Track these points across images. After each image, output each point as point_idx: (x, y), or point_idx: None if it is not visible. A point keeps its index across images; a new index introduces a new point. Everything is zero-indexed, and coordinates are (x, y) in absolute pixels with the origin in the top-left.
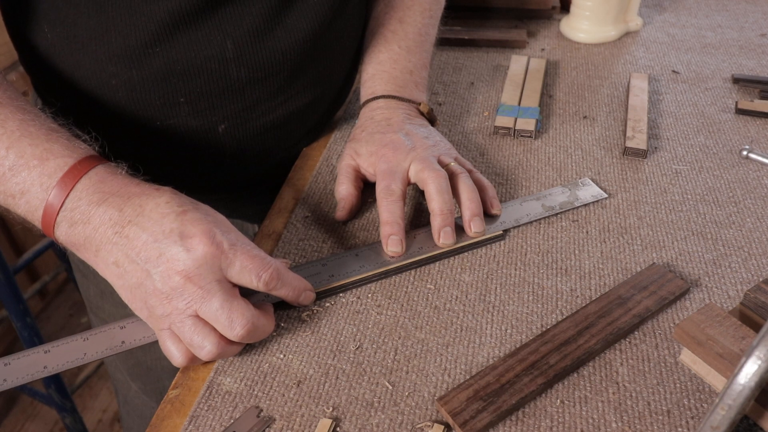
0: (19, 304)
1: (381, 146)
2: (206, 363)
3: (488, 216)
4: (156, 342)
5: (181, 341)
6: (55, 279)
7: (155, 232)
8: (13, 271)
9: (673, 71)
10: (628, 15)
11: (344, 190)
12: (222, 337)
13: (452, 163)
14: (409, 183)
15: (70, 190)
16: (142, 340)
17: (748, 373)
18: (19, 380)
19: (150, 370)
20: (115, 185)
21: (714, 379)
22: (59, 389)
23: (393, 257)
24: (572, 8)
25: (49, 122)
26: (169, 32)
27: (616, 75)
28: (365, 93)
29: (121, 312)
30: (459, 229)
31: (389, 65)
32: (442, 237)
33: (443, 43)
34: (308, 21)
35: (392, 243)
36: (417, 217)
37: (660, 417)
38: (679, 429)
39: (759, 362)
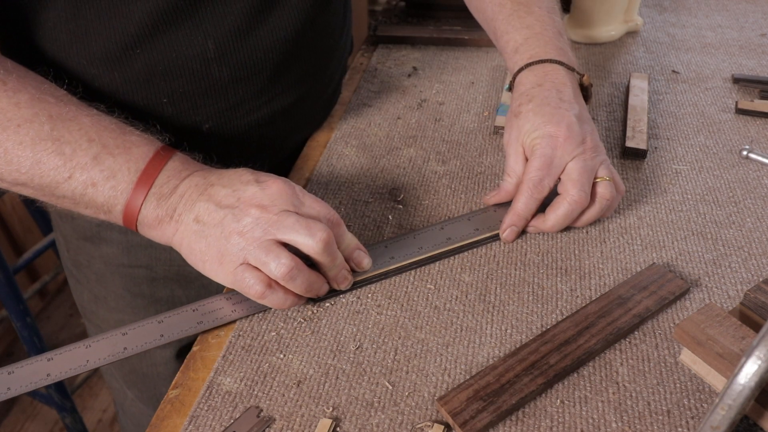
0: (19, 304)
1: (551, 124)
2: (265, 308)
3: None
4: (153, 349)
5: (257, 270)
6: (55, 279)
7: (234, 184)
8: (13, 271)
9: (673, 71)
10: (628, 15)
11: (517, 169)
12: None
13: (605, 181)
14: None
15: (161, 169)
16: (144, 345)
17: (748, 373)
18: (23, 388)
19: (146, 377)
20: (198, 165)
21: (714, 379)
22: (59, 389)
23: (506, 241)
24: (572, 8)
25: (113, 118)
26: (149, 33)
27: (616, 75)
28: (523, 56)
29: (116, 317)
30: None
31: (539, 28)
32: (509, 235)
33: (443, 43)
34: (291, 19)
35: (511, 233)
36: (415, 217)
37: (660, 417)
38: (679, 429)
39: (759, 362)
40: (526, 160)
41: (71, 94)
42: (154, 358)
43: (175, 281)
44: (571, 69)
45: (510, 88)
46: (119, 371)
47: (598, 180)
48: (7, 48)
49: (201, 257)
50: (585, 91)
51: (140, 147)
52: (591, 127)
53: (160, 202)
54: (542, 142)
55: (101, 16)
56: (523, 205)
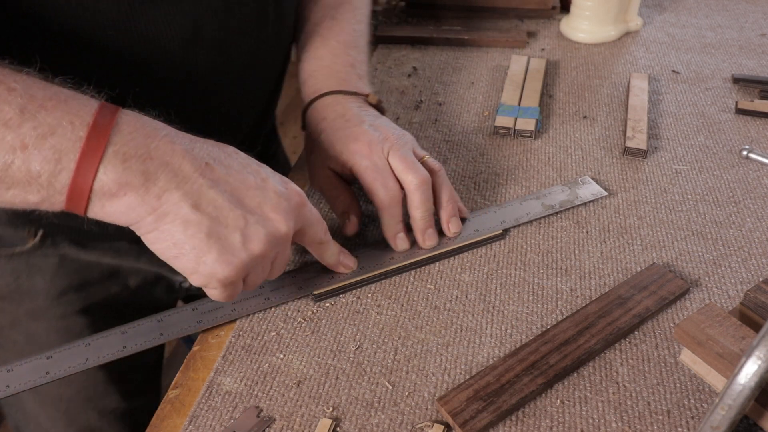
0: None
1: (350, 142)
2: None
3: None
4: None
5: None
6: None
7: (248, 165)
8: None
9: (673, 71)
10: (628, 15)
11: (344, 202)
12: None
13: (427, 158)
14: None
15: (114, 122)
16: (143, 344)
17: (748, 373)
18: (22, 386)
19: (70, 401)
20: (159, 123)
21: (714, 379)
22: None
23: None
24: (572, 8)
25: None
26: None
27: (616, 75)
28: (308, 92)
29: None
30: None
31: (329, 60)
32: (428, 240)
33: (443, 43)
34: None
35: (401, 241)
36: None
37: (660, 417)
38: (679, 429)
39: (759, 362)
40: (345, 187)
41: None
42: (78, 382)
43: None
44: (351, 93)
45: (304, 126)
46: (34, 398)
47: (423, 159)
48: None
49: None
50: (378, 108)
51: (78, 99)
52: (386, 124)
53: (127, 162)
54: (355, 160)
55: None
56: (384, 224)
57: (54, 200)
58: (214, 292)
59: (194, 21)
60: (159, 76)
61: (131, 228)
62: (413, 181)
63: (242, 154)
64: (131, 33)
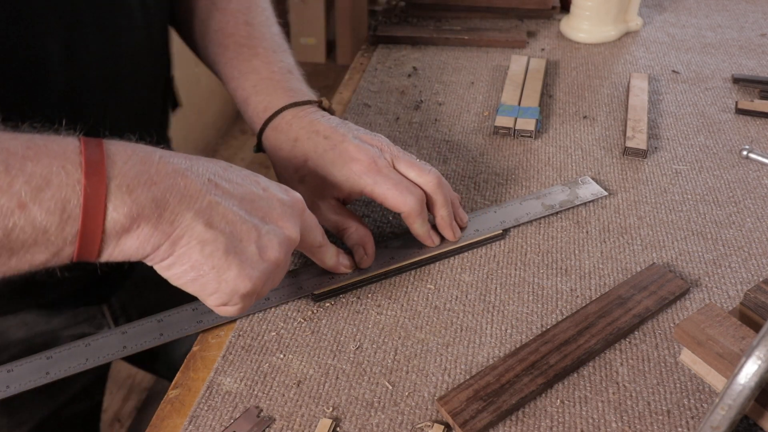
0: None
1: (350, 164)
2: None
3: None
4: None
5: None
6: None
7: (248, 176)
8: None
9: (673, 71)
10: (628, 15)
11: (356, 234)
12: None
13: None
14: None
15: (103, 155)
16: (144, 345)
17: (748, 373)
18: (23, 386)
19: None
20: (148, 147)
21: (714, 379)
22: None
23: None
24: (572, 8)
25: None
26: None
27: (616, 75)
28: (257, 110)
29: None
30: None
31: (266, 71)
32: (456, 232)
33: (443, 43)
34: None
35: (435, 236)
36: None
37: (660, 417)
38: (679, 429)
39: (759, 362)
40: (352, 214)
41: None
42: None
43: None
44: (306, 103)
45: (259, 149)
46: None
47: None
48: None
49: (227, 236)
50: (330, 112)
51: (56, 141)
52: (363, 132)
53: (134, 193)
54: (367, 181)
55: None
56: (419, 228)
57: (64, 253)
58: (232, 309)
59: (66, 38)
60: (46, 97)
61: (144, 261)
62: (432, 181)
63: (236, 167)
64: (12, 55)
